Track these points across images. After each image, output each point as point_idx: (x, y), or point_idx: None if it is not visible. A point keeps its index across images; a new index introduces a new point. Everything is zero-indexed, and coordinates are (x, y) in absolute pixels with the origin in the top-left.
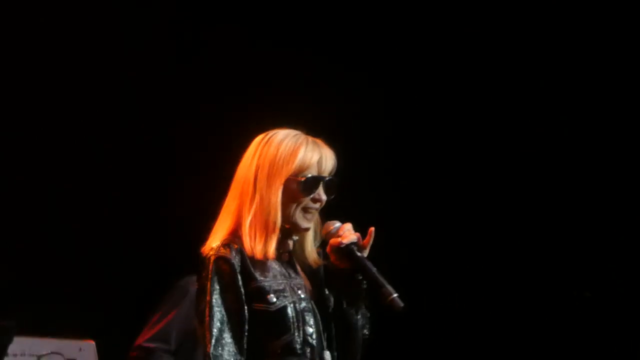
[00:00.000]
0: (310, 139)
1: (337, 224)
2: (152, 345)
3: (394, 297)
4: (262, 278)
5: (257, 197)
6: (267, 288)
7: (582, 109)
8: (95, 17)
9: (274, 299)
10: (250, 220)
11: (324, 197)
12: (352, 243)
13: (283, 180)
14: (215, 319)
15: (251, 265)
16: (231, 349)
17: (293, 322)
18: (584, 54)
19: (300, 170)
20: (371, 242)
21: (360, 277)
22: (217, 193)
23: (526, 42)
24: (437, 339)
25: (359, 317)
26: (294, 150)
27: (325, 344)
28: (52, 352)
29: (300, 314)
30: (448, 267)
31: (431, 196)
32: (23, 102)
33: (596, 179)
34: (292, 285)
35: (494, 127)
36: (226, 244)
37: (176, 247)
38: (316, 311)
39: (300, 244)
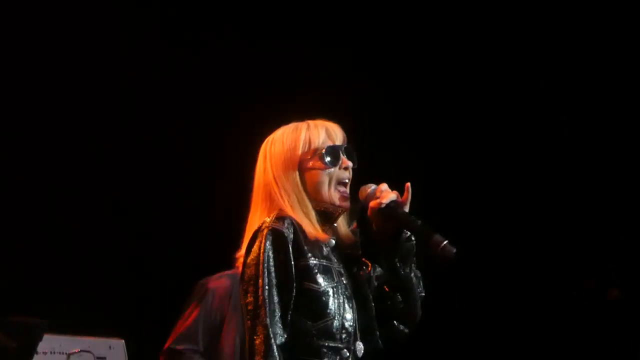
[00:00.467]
0: (309, 121)
1: (373, 186)
2: (180, 347)
3: (445, 244)
4: (312, 256)
5: (284, 194)
6: (316, 268)
7: (588, 104)
8: (99, 17)
9: (321, 280)
10: (297, 214)
11: (350, 164)
12: (392, 201)
13: (296, 165)
14: (266, 291)
15: (304, 240)
16: (280, 324)
17: (335, 306)
18: (582, 52)
19: (314, 149)
20: (409, 197)
21: (408, 234)
22: (247, 195)
23: (522, 33)
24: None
25: (412, 275)
26: (296, 135)
27: (358, 332)
28: (82, 350)
29: (342, 299)
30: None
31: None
32: (39, 103)
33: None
34: (335, 270)
35: (499, 129)
36: (281, 217)
37: (204, 248)
38: (355, 297)
39: (338, 227)
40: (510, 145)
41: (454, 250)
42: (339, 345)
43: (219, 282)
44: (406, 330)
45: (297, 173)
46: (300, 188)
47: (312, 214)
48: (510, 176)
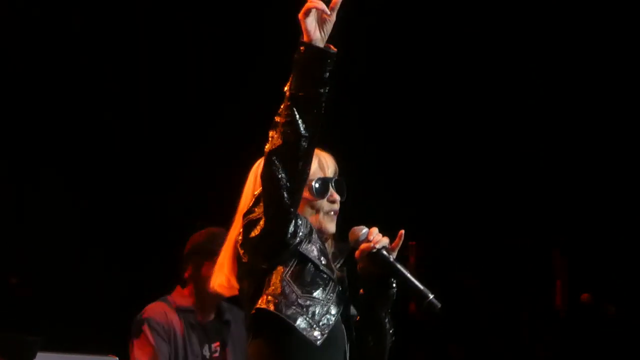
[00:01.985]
0: None
1: (365, 229)
2: None
3: (431, 299)
4: (319, 246)
5: None
6: (318, 260)
7: (590, 108)
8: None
9: (320, 263)
10: None
11: (337, 197)
12: (383, 247)
13: None
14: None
15: (316, 234)
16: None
17: (323, 294)
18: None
19: None
20: (400, 244)
21: (393, 281)
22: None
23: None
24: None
25: (387, 320)
26: None
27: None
28: None
29: (331, 297)
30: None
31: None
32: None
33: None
34: (333, 279)
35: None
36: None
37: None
38: (340, 310)
39: None
40: (502, 182)
41: (439, 306)
42: (315, 327)
43: (154, 311)
44: None
45: None
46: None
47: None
48: (501, 210)
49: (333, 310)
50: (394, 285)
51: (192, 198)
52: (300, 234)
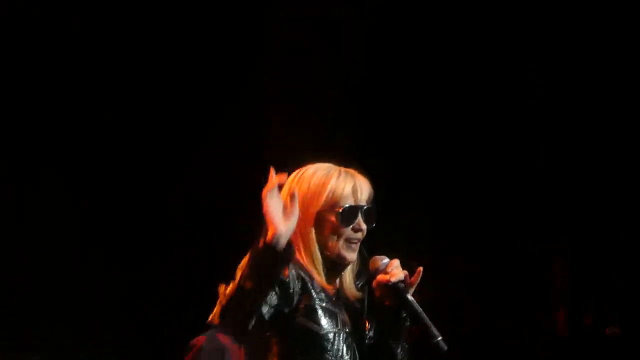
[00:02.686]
0: (342, 169)
1: (385, 259)
2: None
3: (439, 340)
4: (318, 299)
5: (298, 232)
6: (320, 310)
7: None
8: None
9: (324, 323)
10: (303, 257)
11: (364, 227)
12: (400, 281)
13: (315, 214)
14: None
15: (310, 283)
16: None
17: (332, 352)
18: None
19: (334, 202)
20: (418, 281)
21: (405, 315)
22: None
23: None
24: None
25: (399, 350)
26: (323, 183)
27: None
28: None
29: (341, 347)
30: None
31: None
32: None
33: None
34: (341, 317)
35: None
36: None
37: (198, 282)
38: (355, 350)
39: (343, 278)
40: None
41: (445, 349)
42: None
43: (205, 342)
44: None
45: (314, 219)
46: (313, 235)
47: (320, 260)
48: (513, 220)
49: None
50: (406, 318)
51: (192, 198)
52: (279, 310)
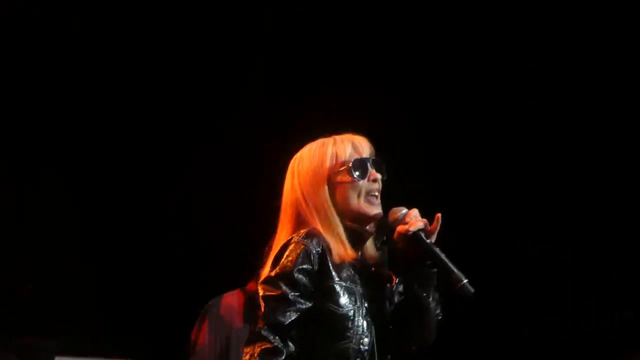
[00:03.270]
0: (336, 136)
1: (404, 210)
2: None
3: (464, 283)
4: (337, 277)
5: (314, 212)
6: (340, 290)
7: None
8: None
9: (344, 302)
10: (325, 231)
11: (378, 176)
12: (420, 230)
13: (325, 183)
14: (276, 301)
15: (330, 261)
16: (283, 336)
17: (354, 329)
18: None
19: (340, 163)
20: (438, 227)
21: (429, 263)
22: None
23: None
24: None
25: (430, 299)
26: (323, 151)
27: (377, 354)
28: None
29: (361, 323)
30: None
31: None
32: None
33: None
34: (358, 291)
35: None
36: (310, 235)
37: (214, 269)
38: (375, 321)
39: (365, 249)
40: (543, 168)
41: (472, 291)
42: None
43: (222, 304)
44: (415, 349)
45: (326, 188)
46: (330, 203)
47: (342, 231)
48: (535, 203)
49: (366, 339)
50: (432, 266)
51: (192, 198)
52: (302, 303)
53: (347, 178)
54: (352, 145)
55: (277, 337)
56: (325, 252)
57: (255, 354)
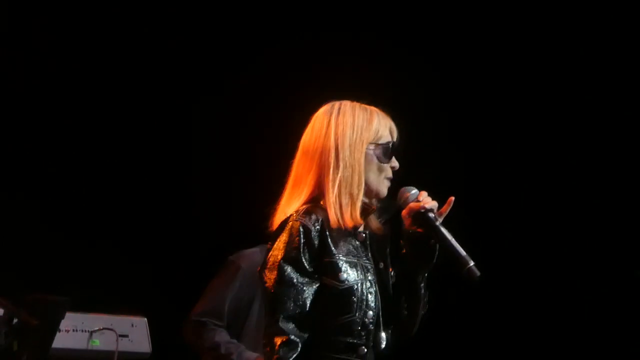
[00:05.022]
0: (375, 108)
1: (415, 190)
2: (204, 319)
3: (471, 267)
4: (337, 252)
5: (341, 166)
6: (340, 264)
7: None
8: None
9: (344, 277)
10: (337, 191)
11: (397, 164)
12: (430, 209)
13: (364, 148)
14: (284, 287)
15: (329, 237)
16: (297, 324)
17: (357, 303)
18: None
19: (377, 138)
20: (448, 211)
21: (434, 243)
22: (275, 173)
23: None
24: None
25: (422, 286)
26: (369, 118)
27: (381, 323)
28: (104, 328)
29: (364, 296)
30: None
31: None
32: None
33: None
34: (361, 264)
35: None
36: (309, 212)
37: (230, 225)
38: (378, 292)
39: (369, 222)
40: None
41: (478, 274)
42: (357, 342)
43: (250, 260)
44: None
45: (363, 152)
46: (362, 167)
47: (361, 193)
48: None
49: (370, 313)
50: (435, 248)
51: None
52: (311, 285)
53: (379, 154)
54: (390, 127)
55: (295, 327)
56: (325, 228)
57: (276, 348)
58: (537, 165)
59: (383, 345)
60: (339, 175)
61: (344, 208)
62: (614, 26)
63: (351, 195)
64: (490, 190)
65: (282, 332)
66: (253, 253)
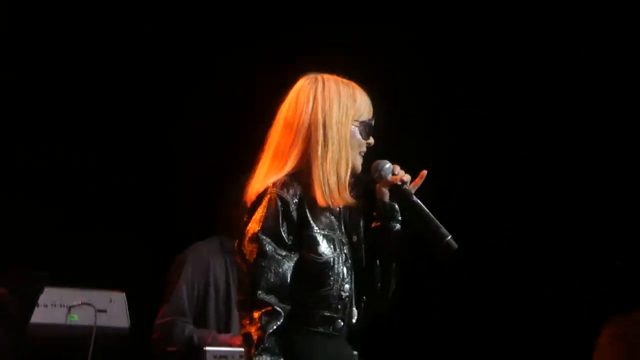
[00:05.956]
0: (354, 84)
1: (389, 163)
2: (169, 319)
3: (448, 240)
4: (315, 226)
5: (329, 142)
6: (319, 238)
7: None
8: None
9: (323, 249)
10: (326, 168)
11: (373, 140)
12: (404, 182)
13: (350, 125)
14: (264, 259)
15: (308, 210)
16: (278, 295)
17: (334, 277)
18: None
19: (360, 115)
20: (420, 184)
21: (409, 216)
22: (245, 155)
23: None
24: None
25: (394, 259)
26: (352, 95)
27: (354, 298)
28: (82, 303)
29: (341, 270)
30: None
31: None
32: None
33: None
34: (338, 238)
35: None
36: (287, 184)
37: (203, 203)
38: (354, 267)
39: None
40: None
41: (456, 247)
42: (334, 315)
43: (195, 251)
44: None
45: (349, 129)
46: (349, 143)
47: (349, 173)
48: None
49: (347, 286)
50: (408, 220)
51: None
52: (290, 258)
53: (360, 130)
54: (369, 105)
55: (275, 298)
56: (303, 201)
57: (256, 319)
58: (518, 155)
59: (354, 320)
60: (328, 153)
61: (332, 186)
62: (599, 21)
63: (338, 173)
64: (473, 177)
65: (263, 303)
66: (197, 245)
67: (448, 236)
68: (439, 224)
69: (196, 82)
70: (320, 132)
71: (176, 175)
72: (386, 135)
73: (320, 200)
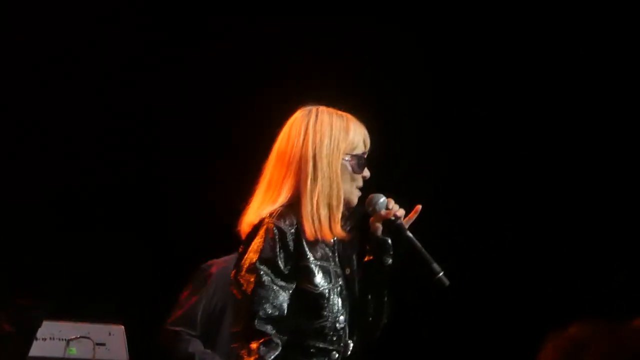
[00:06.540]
0: (350, 116)
1: (383, 197)
2: (177, 328)
3: (440, 276)
4: (311, 257)
5: (319, 175)
6: (315, 269)
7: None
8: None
9: (319, 281)
10: (315, 202)
11: (368, 173)
12: (400, 217)
13: (341, 159)
14: (262, 289)
15: (304, 241)
16: (275, 326)
17: (329, 308)
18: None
19: (352, 148)
20: (414, 218)
21: (401, 251)
22: (247, 177)
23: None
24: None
25: (386, 292)
26: (346, 128)
27: (347, 329)
28: (81, 336)
29: (336, 301)
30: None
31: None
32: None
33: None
34: (334, 270)
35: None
36: (283, 215)
37: (204, 232)
38: (349, 299)
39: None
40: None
41: (447, 283)
42: (329, 347)
43: (222, 267)
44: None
45: (339, 163)
46: (339, 178)
47: (341, 207)
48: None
49: (342, 317)
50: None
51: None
52: (287, 288)
53: (353, 164)
54: (364, 136)
55: (273, 329)
56: (299, 231)
57: (255, 349)
58: (516, 165)
59: (349, 352)
60: (318, 186)
61: (322, 220)
62: (596, 19)
63: (330, 207)
64: (468, 191)
65: (260, 334)
66: (225, 261)
67: (440, 273)
68: (432, 260)
69: (203, 75)
70: (310, 165)
71: (174, 208)
72: (380, 167)
73: (309, 234)
